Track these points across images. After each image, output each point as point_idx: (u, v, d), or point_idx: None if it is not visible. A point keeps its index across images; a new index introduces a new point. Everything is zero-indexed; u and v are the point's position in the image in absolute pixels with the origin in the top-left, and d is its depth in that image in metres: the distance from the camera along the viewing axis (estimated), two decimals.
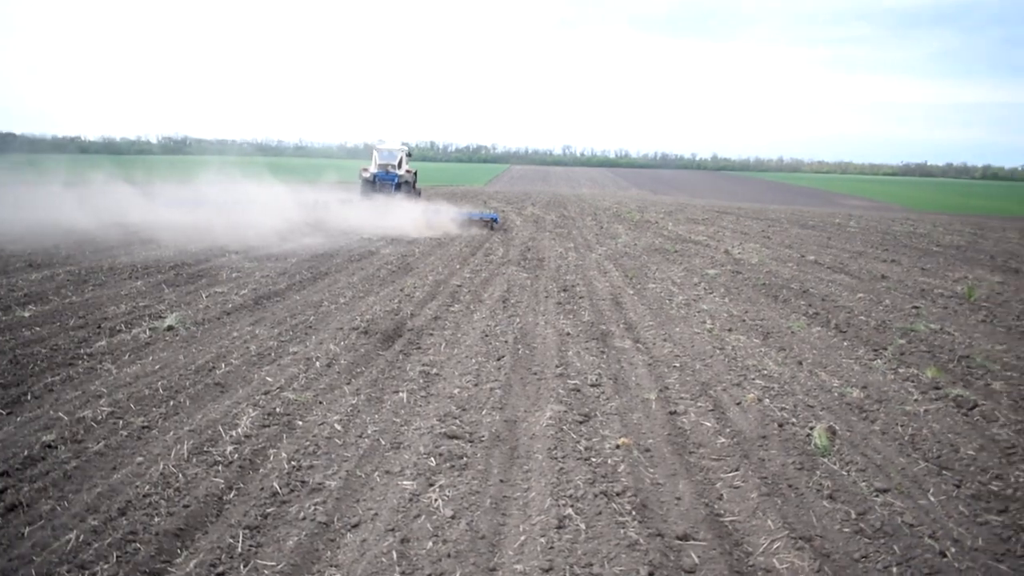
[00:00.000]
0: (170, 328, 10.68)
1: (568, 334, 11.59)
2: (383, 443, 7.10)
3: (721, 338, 11.79)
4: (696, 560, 5.37)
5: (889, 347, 11.45)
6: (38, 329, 10.37)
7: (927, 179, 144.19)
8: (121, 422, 7.22)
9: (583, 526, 5.60)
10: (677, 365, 10.20)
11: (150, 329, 10.64)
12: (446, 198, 39.39)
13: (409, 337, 11.00)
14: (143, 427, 7.14)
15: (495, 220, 28.90)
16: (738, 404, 8.71)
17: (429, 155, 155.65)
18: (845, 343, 11.80)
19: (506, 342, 10.79)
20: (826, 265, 20.99)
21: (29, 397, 7.83)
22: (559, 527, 5.57)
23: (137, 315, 11.44)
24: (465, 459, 6.75)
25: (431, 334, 11.31)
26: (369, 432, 7.30)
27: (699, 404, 8.69)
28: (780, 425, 8.04)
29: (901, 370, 10.31)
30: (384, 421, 7.63)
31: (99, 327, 10.62)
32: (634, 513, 5.85)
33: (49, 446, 6.55)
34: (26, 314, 11.11)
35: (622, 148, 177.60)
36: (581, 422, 7.83)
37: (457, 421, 7.65)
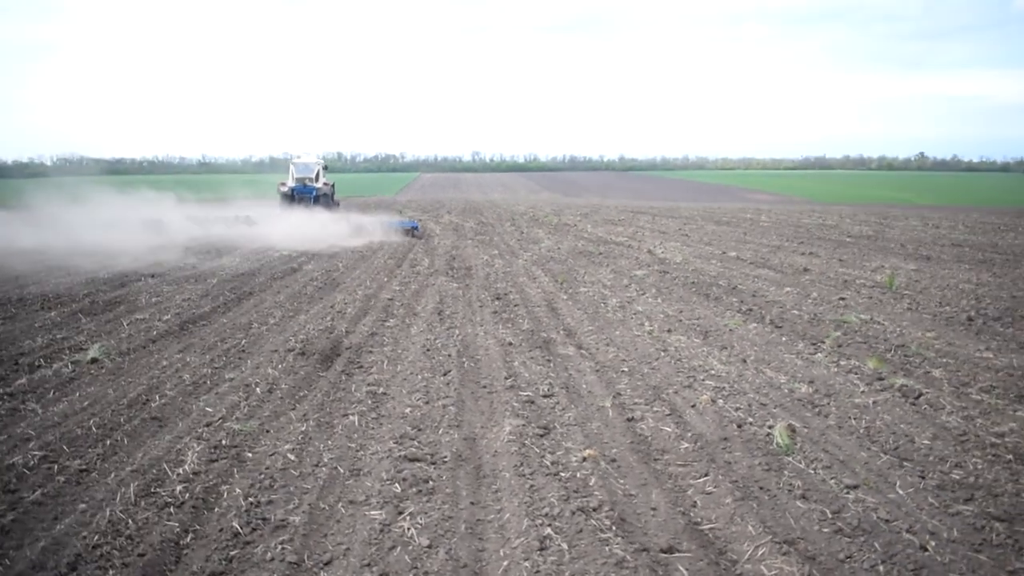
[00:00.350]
0: (94, 360, 10.07)
1: (510, 344, 11.40)
2: (342, 471, 6.76)
3: (662, 340, 11.76)
4: (685, 573, 5.22)
5: (826, 340, 11.59)
6: None
7: (827, 171, 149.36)
8: (56, 466, 6.71)
9: (565, 546, 5.40)
10: (625, 370, 10.10)
11: (72, 363, 10.01)
12: (361, 209, 39.01)
13: (348, 356, 10.63)
14: (81, 470, 6.65)
15: (415, 228, 29.03)
16: (693, 407, 8.65)
17: (337, 166, 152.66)
18: (783, 338, 11.90)
19: (449, 356, 10.53)
20: (748, 261, 21.32)
21: None
22: (541, 548, 5.36)
23: (56, 348, 10.77)
24: (431, 482, 6.47)
25: (371, 351, 10.96)
26: (325, 460, 6.95)
27: (655, 409, 8.59)
28: (739, 426, 8.00)
29: (843, 362, 10.42)
30: (339, 447, 7.28)
31: (16, 363, 9.94)
32: (615, 528, 5.68)
33: None
34: None
35: (531, 152, 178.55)
36: (542, 435, 7.63)
37: (415, 442, 7.36)
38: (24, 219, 27.57)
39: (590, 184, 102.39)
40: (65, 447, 7.11)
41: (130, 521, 5.70)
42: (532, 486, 6.39)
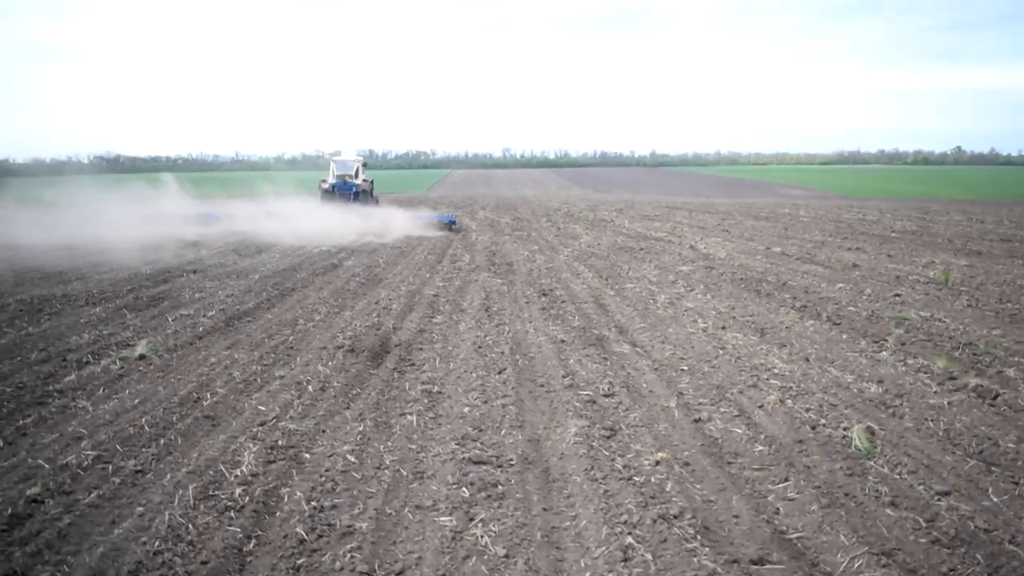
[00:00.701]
0: (142, 357, 9.88)
1: (563, 341, 11.09)
2: (405, 474, 6.49)
3: (718, 337, 11.40)
4: None
5: (889, 338, 11.18)
6: None
7: (862, 166, 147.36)
8: (110, 467, 6.49)
9: (650, 556, 5.09)
10: (685, 368, 9.76)
11: (120, 359, 9.82)
12: (395, 205, 38.85)
13: (399, 353, 10.37)
14: (136, 471, 6.42)
15: (453, 222, 29.52)
16: (761, 407, 8.29)
17: (369, 163, 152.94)
18: (844, 336, 11.50)
19: (502, 353, 10.23)
20: (794, 256, 20.84)
21: (1, 443, 7.01)
22: (625, 559, 5.05)
23: (103, 344, 10.60)
24: (499, 487, 6.17)
25: (421, 348, 10.69)
26: (387, 462, 6.67)
27: (721, 410, 8.25)
28: (812, 428, 7.64)
29: (910, 361, 10.03)
30: (399, 449, 7.00)
31: (64, 360, 9.77)
32: (699, 538, 5.35)
33: (35, 500, 5.80)
34: None
35: (561, 148, 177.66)
36: (608, 437, 7.32)
37: (478, 444, 7.06)
38: (60, 216, 27.62)
39: (621, 180, 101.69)
40: (118, 447, 6.89)
41: (190, 526, 5.45)
42: (606, 491, 6.07)
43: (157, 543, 5.18)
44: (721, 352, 10.55)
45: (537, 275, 17.50)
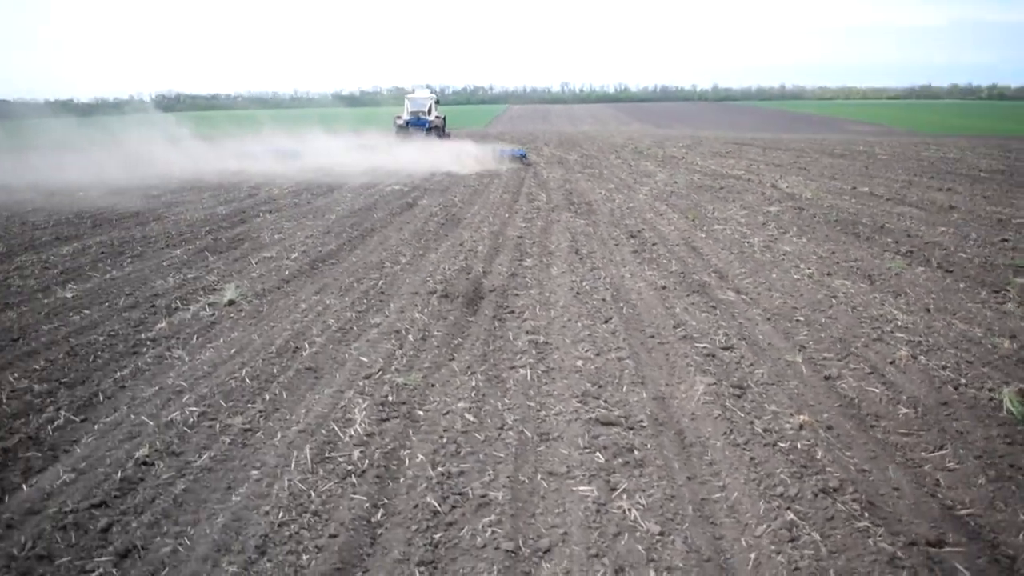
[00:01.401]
0: (231, 303, 9.58)
1: (664, 287, 10.53)
2: (529, 435, 6.05)
3: (826, 284, 10.74)
4: (967, 573, 4.36)
5: (1010, 288, 10.42)
6: (87, 312, 9.26)
7: (933, 101, 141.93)
8: (217, 424, 6.16)
9: (818, 536, 4.60)
10: (800, 319, 9.15)
11: (209, 305, 9.54)
12: (468, 139, 38.45)
13: (494, 299, 9.92)
14: (245, 429, 6.08)
15: (524, 156, 30.15)
16: (892, 363, 7.69)
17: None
18: (961, 285, 10.75)
19: (604, 300, 9.72)
20: (884, 197, 19.85)
21: (101, 398, 6.74)
22: (792, 540, 4.56)
23: (189, 289, 10.32)
24: (635, 452, 5.71)
25: (516, 294, 10.22)
26: (508, 422, 6.24)
27: (851, 366, 7.66)
28: (955, 388, 7.04)
29: None
30: (518, 407, 6.56)
31: (153, 306, 9.51)
32: (867, 515, 4.84)
33: (144, 463, 5.49)
34: (68, 294, 10.00)
35: (621, 83, 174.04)
36: (738, 396, 6.79)
37: (600, 402, 6.59)
38: (129, 156, 27.60)
39: (682, 115, 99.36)
40: (222, 402, 6.56)
41: (312, 493, 5.09)
42: (752, 459, 5.58)
43: (280, 513, 4.83)
44: (834, 301, 9.91)
45: (620, 215, 16.87)
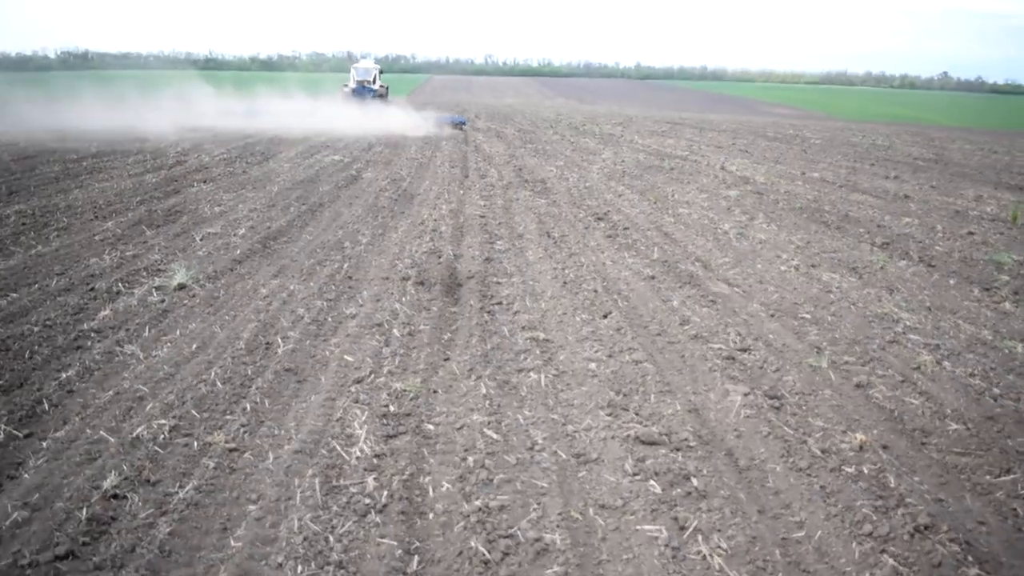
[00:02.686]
0: (182, 287, 8.50)
1: (652, 277, 9.87)
2: (564, 456, 5.26)
3: (815, 277, 10.25)
4: None
5: (999, 286, 10.11)
6: (14, 296, 8.05)
7: (848, 87, 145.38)
8: (195, 443, 5.18)
9: None
10: (806, 317, 8.59)
11: (156, 289, 8.44)
12: (408, 106, 40.31)
13: (474, 287, 9.09)
14: (229, 449, 5.12)
15: (463, 123, 32.44)
16: (917, 369, 7.17)
17: (345, 66, 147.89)
18: (951, 282, 10.41)
19: (595, 292, 8.98)
20: (835, 184, 19.66)
21: (46, 406, 5.67)
22: None
23: (130, 269, 9.17)
24: (691, 479, 4.97)
25: (498, 282, 9.40)
26: (537, 440, 5.44)
27: (879, 372, 7.11)
28: (994, 400, 6.54)
29: None
30: (541, 420, 5.76)
31: (91, 289, 8.35)
32: (970, 559, 4.23)
33: (114, 495, 4.49)
34: None
35: (545, 57, 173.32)
36: (777, 408, 6.15)
37: (632, 415, 5.84)
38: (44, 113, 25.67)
39: (605, 92, 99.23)
40: (194, 412, 5.58)
41: (330, 538, 4.20)
42: (823, 488, 4.92)
43: (298, 567, 3.93)
44: (831, 296, 9.42)
45: (579, 195, 16.15)
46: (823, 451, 5.43)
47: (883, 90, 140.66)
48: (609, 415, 5.80)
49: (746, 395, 6.24)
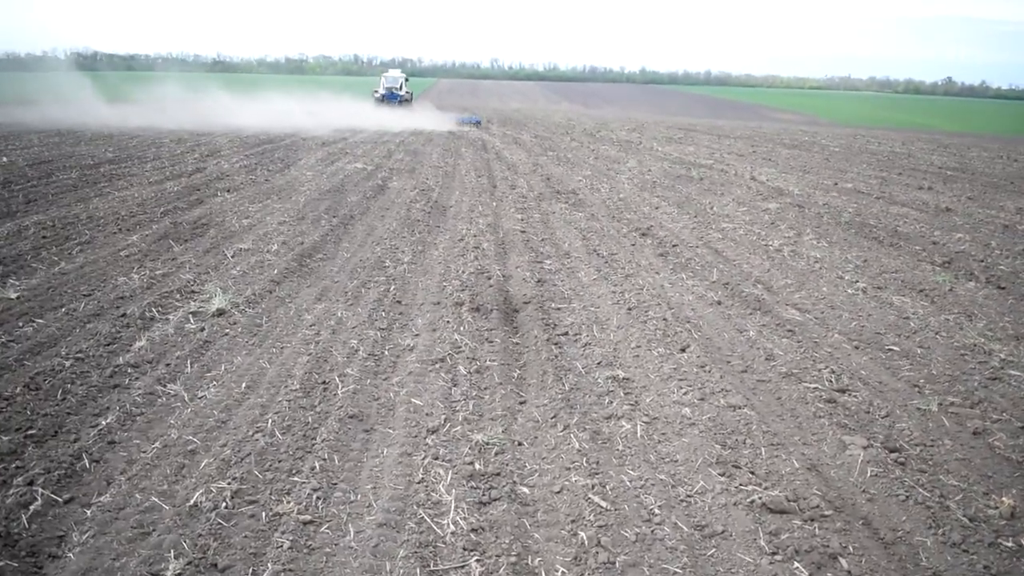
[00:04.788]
0: (220, 312, 7.84)
1: (719, 303, 9.21)
2: (686, 530, 4.59)
3: (887, 302, 9.61)
4: None
5: None
6: (40, 322, 7.39)
7: (852, 92, 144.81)
8: (263, 513, 4.52)
9: None
10: (894, 349, 7.95)
11: (193, 314, 7.79)
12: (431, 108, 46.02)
13: (533, 314, 8.45)
14: (304, 522, 4.45)
15: (478, 122, 38.18)
16: None
17: (353, 69, 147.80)
18: None
19: (664, 320, 8.33)
20: (872, 195, 19.02)
21: (86, 461, 5.01)
22: None
23: (162, 291, 8.52)
24: (839, 558, 4.32)
25: (557, 308, 8.75)
26: (654, 510, 4.77)
27: (992, 417, 6.50)
28: None
29: None
30: (649, 481, 5.10)
31: (123, 314, 7.69)
32: None
33: None
34: (12, 294, 8.08)
35: (551, 61, 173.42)
36: (901, 463, 5.50)
37: (748, 475, 5.19)
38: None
39: (610, 96, 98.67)
40: (256, 472, 4.92)
41: None
42: (987, 569, 4.30)
43: None
44: (910, 324, 8.79)
45: (615, 208, 15.51)
46: (971, 519, 4.79)
47: (888, 95, 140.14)
48: (722, 475, 5.15)
49: (865, 448, 5.59)
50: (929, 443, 5.85)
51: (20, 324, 7.31)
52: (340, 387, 6.28)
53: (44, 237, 10.49)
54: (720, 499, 4.86)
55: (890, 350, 7.93)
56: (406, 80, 48.67)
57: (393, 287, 9.15)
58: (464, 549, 4.24)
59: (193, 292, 8.55)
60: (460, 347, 7.25)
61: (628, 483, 5.03)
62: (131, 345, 6.95)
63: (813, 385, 6.80)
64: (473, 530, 4.42)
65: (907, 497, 4.98)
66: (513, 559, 4.17)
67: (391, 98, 45.41)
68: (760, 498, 4.83)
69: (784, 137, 38.29)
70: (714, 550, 4.40)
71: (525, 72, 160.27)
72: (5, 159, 18.07)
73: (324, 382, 6.37)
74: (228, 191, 15.13)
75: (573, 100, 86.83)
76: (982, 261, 12.08)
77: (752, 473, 5.20)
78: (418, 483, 4.88)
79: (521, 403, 6.26)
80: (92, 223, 11.53)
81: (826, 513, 4.75)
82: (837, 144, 35.10)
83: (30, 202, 12.96)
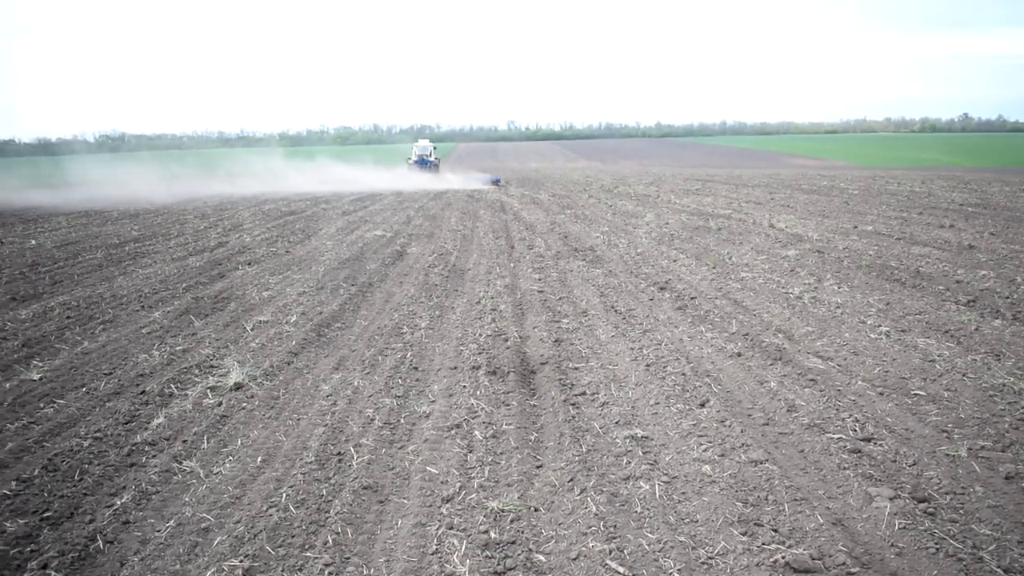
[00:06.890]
0: (238, 386, 7.85)
1: (738, 354, 9.09)
2: None
3: (912, 345, 9.44)
4: None
5: None
6: (61, 402, 7.45)
7: (868, 134, 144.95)
8: None
9: None
10: (921, 394, 7.77)
11: (211, 389, 7.80)
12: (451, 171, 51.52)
13: (551, 374, 8.37)
14: None
15: (498, 181, 43.39)
16: None
17: (374, 138, 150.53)
18: None
19: (683, 375, 8.23)
20: (892, 236, 18.85)
21: (100, 543, 4.98)
22: None
23: (181, 367, 8.55)
24: None
25: (575, 368, 8.68)
26: (672, 571, 4.66)
27: (1022, 458, 6.27)
28: None
29: None
30: (669, 543, 4.98)
31: (142, 392, 7.72)
32: None
33: None
34: (35, 375, 8.16)
35: (567, 120, 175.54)
36: (931, 514, 5.34)
37: (771, 533, 5.05)
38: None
39: (627, 151, 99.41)
40: (268, 548, 4.86)
41: None
42: None
43: None
44: (936, 367, 8.61)
45: (633, 263, 15.47)
46: (1006, 570, 4.65)
47: (904, 135, 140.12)
48: (744, 533, 5.02)
49: (892, 499, 5.43)
50: (959, 491, 5.68)
51: (42, 405, 7.36)
52: (355, 457, 6.23)
53: (68, 317, 10.62)
54: (742, 559, 4.73)
55: (916, 395, 7.77)
56: (435, 148, 55.52)
57: (410, 353, 9.13)
58: None
59: (212, 367, 8.57)
60: (476, 412, 7.19)
61: (647, 546, 4.91)
62: (149, 423, 6.96)
63: (837, 435, 6.65)
64: None
65: (938, 549, 4.82)
66: None
67: (423, 164, 52.05)
68: (784, 557, 4.70)
69: (802, 182, 38.27)
70: None
71: (542, 132, 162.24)
72: (34, 242, 18.44)
73: (339, 453, 6.32)
74: (249, 264, 15.30)
75: (591, 157, 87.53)
76: (1008, 298, 11.88)
77: (775, 531, 5.06)
78: (432, 554, 4.79)
79: (538, 467, 6.17)
80: (115, 301, 11.66)
81: (853, 571, 4.60)
82: (855, 186, 34.99)
83: (56, 283, 13.17)
